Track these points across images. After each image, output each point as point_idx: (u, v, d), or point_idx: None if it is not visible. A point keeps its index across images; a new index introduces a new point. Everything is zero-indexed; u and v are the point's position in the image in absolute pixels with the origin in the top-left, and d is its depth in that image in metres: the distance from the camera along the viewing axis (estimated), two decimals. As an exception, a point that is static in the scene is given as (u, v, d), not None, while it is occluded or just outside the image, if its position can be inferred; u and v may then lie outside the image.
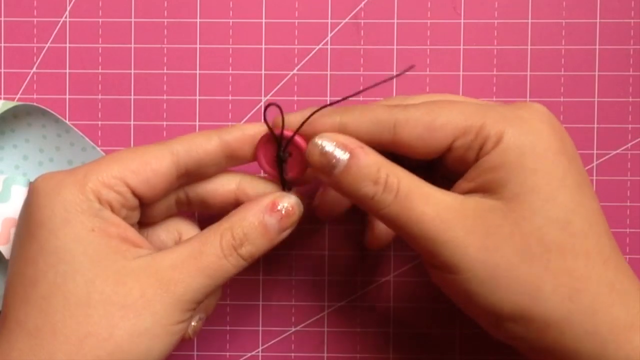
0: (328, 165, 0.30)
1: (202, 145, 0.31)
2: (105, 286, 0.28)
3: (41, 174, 0.30)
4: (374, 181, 0.29)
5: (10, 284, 0.29)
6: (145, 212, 0.32)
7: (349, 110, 0.31)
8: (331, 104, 0.30)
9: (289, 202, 0.31)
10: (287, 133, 0.31)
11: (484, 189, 0.29)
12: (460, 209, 0.29)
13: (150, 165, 0.30)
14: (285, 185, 0.32)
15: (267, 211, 0.30)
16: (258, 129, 0.31)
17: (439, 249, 0.29)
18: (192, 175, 0.32)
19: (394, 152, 0.31)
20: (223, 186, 0.32)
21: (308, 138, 0.30)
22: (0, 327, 0.29)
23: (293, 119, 0.31)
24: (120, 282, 0.28)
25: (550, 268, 0.28)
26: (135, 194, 0.30)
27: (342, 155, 0.29)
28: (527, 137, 0.29)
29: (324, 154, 0.30)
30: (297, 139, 0.31)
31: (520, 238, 0.28)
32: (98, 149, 0.37)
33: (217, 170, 0.32)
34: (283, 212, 0.30)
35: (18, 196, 0.37)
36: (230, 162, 0.32)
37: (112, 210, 0.29)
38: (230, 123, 0.38)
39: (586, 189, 0.29)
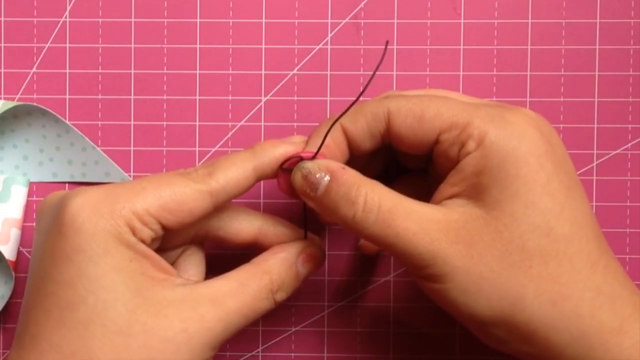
0: (310, 188, 0.30)
1: (240, 182, 0.31)
2: (147, 317, 0.28)
3: (73, 192, 0.29)
4: (352, 201, 0.30)
5: (43, 306, 0.28)
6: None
7: (347, 112, 0.31)
8: (340, 116, 0.31)
9: (314, 252, 0.32)
10: (307, 155, 0.31)
11: (467, 194, 0.29)
12: (443, 220, 0.29)
13: (188, 206, 0.30)
14: (306, 232, 0.33)
15: (300, 261, 0.32)
16: (285, 150, 0.31)
17: (424, 262, 0.29)
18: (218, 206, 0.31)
19: (392, 148, 0.32)
20: (246, 228, 0.32)
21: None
22: (28, 346, 0.28)
23: (312, 143, 0.32)
24: (161, 313, 0.28)
25: (532, 275, 0.28)
26: (164, 229, 0.30)
27: (323, 177, 0.30)
28: (510, 141, 0.29)
29: (306, 176, 0.30)
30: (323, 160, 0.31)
31: (501, 246, 0.28)
32: (98, 149, 0.37)
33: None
34: (312, 261, 0.32)
35: (18, 196, 0.37)
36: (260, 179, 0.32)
37: (143, 241, 0.29)
38: (230, 123, 0.38)
39: (574, 192, 0.29)
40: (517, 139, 0.29)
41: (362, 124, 0.31)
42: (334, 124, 0.31)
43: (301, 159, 0.31)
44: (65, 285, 0.28)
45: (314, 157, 0.31)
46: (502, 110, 0.30)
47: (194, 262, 0.33)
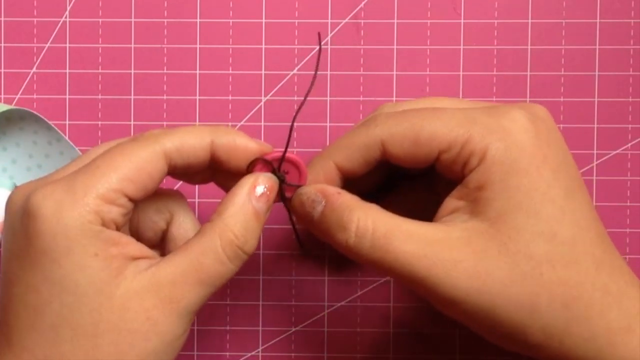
0: (307, 213, 0.30)
1: (196, 149, 0.30)
2: (111, 314, 0.28)
3: (36, 191, 0.28)
4: (344, 227, 0.29)
5: (13, 309, 0.28)
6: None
7: (336, 147, 0.31)
8: (297, 111, 0.30)
9: (266, 181, 0.30)
10: (276, 155, 0.30)
11: (470, 210, 0.29)
12: (446, 239, 0.28)
13: (146, 170, 0.29)
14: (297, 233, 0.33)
15: (253, 197, 0.30)
16: (245, 143, 0.30)
17: (430, 287, 0.28)
18: (177, 172, 0.31)
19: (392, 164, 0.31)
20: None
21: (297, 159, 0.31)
22: (4, 348, 0.28)
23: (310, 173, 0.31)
24: (125, 307, 0.28)
25: (544, 281, 0.28)
26: (131, 200, 0.29)
27: (320, 202, 0.30)
28: (511, 152, 0.29)
29: (303, 203, 0.30)
30: (291, 155, 0.31)
31: (508, 258, 0.28)
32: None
33: (202, 170, 0.31)
34: (267, 192, 0.30)
35: (3, 199, 0.37)
36: (215, 166, 0.31)
37: (114, 222, 0.29)
38: (230, 123, 0.38)
39: (576, 194, 0.29)
40: (516, 149, 0.29)
41: (356, 157, 0.31)
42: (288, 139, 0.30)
43: (264, 160, 0.30)
44: (31, 289, 0.28)
45: (281, 160, 0.30)
46: (498, 117, 0.29)
47: (177, 216, 0.32)
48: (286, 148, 0.30)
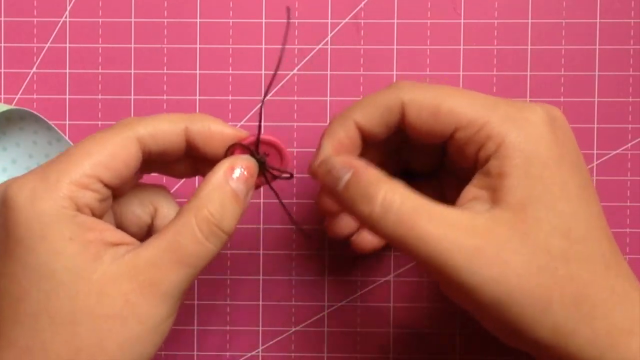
0: (332, 182, 0.30)
1: (170, 136, 0.30)
2: (88, 299, 0.27)
3: (12, 181, 0.28)
4: (370, 198, 0.28)
5: None
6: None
7: (358, 106, 0.31)
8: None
9: (244, 163, 0.30)
10: (253, 139, 0.30)
11: (492, 198, 0.29)
12: (469, 225, 0.28)
13: (120, 156, 0.29)
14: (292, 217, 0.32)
15: (230, 178, 0.29)
16: (221, 128, 0.30)
17: (449, 272, 0.28)
18: (154, 159, 0.31)
19: (407, 137, 0.31)
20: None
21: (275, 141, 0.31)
22: None
23: (325, 143, 0.31)
24: (103, 291, 0.28)
25: (557, 277, 0.28)
26: (107, 186, 0.29)
27: (346, 173, 0.29)
28: (531, 143, 0.28)
29: (329, 171, 0.30)
30: (267, 137, 0.30)
31: (528, 250, 0.28)
32: None
33: (179, 158, 0.31)
34: (245, 173, 0.30)
35: None
36: (193, 153, 0.31)
37: (89, 208, 0.29)
38: (230, 123, 0.38)
39: (587, 192, 0.29)
40: (536, 141, 0.28)
41: (376, 117, 0.30)
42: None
43: (242, 146, 0.30)
44: (12, 280, 0.28)
45: (257, 142, 0.30)
46: (520, 109, 0.29)
47: (161, 208, 0.32)
48: (259, 130, 0.30)
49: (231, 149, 0.30)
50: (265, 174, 0.31)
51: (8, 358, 0.28)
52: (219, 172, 0.29)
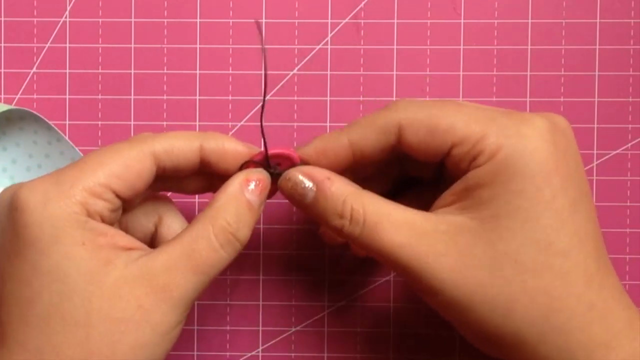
0: (298, 196, 0.30)
1: (185, 152, 0.30)
2: (102, 303, 0.28)
3: (22, 185, 0.29)
4: (340, 214, 0.30)
5: (5, 305, 0.28)
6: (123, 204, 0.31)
7: (354, 125, 0.31)
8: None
9: (258, 176, 0.31)
10: (257, 157, 0.31)
11: (464, 206, 0.29)
12: (433, 231, 0.29)
13: (134, 168, 0.29)
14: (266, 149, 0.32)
15: (246, 189, 0.30)
16: (234, 146, 0.31)
17: (414, 275, 0.29)
18: (167, 175, 0.31)
19: (402, 160, 0.32)
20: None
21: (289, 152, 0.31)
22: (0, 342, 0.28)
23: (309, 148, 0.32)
24: (116, 295, 0.28)
25: (526, 288, 0.28)
26: (119, 197, 0.29)
27: (310, 187, 0.30)
28: (522, 157, 0.28)
29: (293, 186, 0.31)
30: (277, 150, 0.31)
31: (493, 258, 0.28)
32: None
33: (192, 174, 0.32)
34: (260, 185, 0.30)
35: None
36: (206, 170, 0.31)
37: (100, 216, 0.29)
38: (230, 123, 0.38)
39: (581, 205, 0.29)
40: (528, 156, 0.28)
41: (372, 139, 0.31)
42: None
43: (254, 162, 0.31)
44: (21, 282, 0.28)
45: (265, 156, 0.31)
46: (517, 122, 0.29)
47: (166, 219, 0.32)
48: (265, 146, 0.31)
49: (244, 166, 0.31)
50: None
51: (18, 358, 0.28)
52: (234, 184, 0.30)
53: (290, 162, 0.31)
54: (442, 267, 0.29)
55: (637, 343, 0.28)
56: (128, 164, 0.29)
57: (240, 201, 0.30)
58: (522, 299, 0.28)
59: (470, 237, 0.29)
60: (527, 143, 0.28)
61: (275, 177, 0.31)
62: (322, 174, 0.30)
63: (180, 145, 0.30)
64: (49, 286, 0.28)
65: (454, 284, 0.29)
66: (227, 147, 0.31)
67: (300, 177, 0.31)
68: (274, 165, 0.31)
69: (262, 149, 0.31)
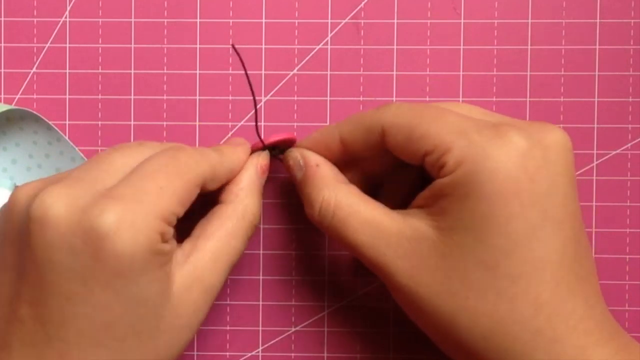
0: (293, 173, 0.34)
1: (220, 178, 0.32)
2: (169, 314, 0.29)
3: (103, 210, 0.27)
4: (312, 203, 0.32)
5: (74, 326, 0.27)
6: None
7: (346, 121, 0.33)
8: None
9: (265, 160, 0.35)
10: (269, 141, 0.35)
11: (431, 212, 0.30)
12: (396, 233, 0.30)
13: (193, 193, 0.30)
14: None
15: (259, 177, 0.34)
16: (247, 149, 0.35)
17: (376, 270, 0.31)
18: None
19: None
20: None
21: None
22: None
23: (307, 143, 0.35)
24: (179, 303, 0.29)
25: (467, 306, 0.28)
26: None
27: (301, 169, 0.33)
28: (479, 176, 0.28)
29: (292, 162, 0.34)
30: (280, 137, 0.35)
31: (443, 272, 0.29)
32: (87, 160, 0.37)
33: None
34: (264, 169, 0.35)
35: (2, 199, 0.37)
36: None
37: (166, 241, 0.29)
38: (230, 123, 0.38)
39: (544, 232, 0.28)
40: (487, 176, 0.28)
41: (358, 137, 0.32)
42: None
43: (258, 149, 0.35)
44: (101, 307, 0.27)
45: (264, 148, 0.35)
46: (490, 137, 0.29)
47: None
48: (261, 139, 0.35)
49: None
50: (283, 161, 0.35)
51: None
52: (252, 173, 0.34)
53: (291, 143, 0.35)
54: (398, 270, 0.30)
55: None
56: (191, 189, 0.30)
57: (259, 190, 0.34)
58: (463, 316, 0.28)
59: (427, 246, 0.29)
60: (487, 163, 0.28)
61: (275, 156, 0.35)
62: (314, 160, 0.33)
63: (220, 175, 0.32)
64: (133, 311, 0.28)
65: (408, 290, 0.30)
66: (242, 156, 0.34)
67: (298, 158, 0.34)
68: (277, 150, 0.35)
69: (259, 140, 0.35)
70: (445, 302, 0.29)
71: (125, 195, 0.28)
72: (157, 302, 0.28)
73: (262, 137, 0.37)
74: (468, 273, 0.28)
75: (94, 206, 0.27)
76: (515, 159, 0.28)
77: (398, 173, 0.34)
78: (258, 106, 0.38)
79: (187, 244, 0.31)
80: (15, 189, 0.30)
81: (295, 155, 0.34)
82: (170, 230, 0.29)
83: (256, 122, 0.35)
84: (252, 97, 0.38)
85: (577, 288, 0.29)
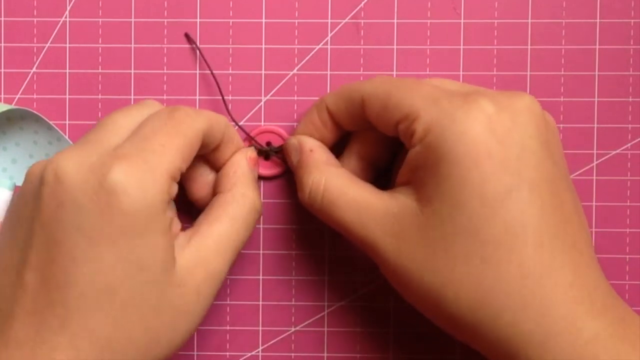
0: (290, 158, 0.35)
1: (216, 131, 0.33)
2: (171, 292, 0.29)
3: (113, 167, 0.27)
4: (302, 186, 0.33)
5: (76, 289, 0.27)
6: None
7: (332, 92, 0.34)
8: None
9: (253, 154, 0.35)
10: (254, 133, 0.37)
11: (414, 186, 0.30)
12: (383, 211, 0.30)
13: (194, 148, 0.31)
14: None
15: (252, 168, 0.35)
16: (239, 140, 0.36)
17: (366, 249, 0.31)
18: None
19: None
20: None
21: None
22: (57, 329, 0.27)
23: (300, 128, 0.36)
24: (181, 283, 0.29)
25: (453, 277, 0.28)
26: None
27: (297, 154, 0.34)
28: (448, 141, 0.28)
29: (290, 148, 0.35)
30: (266, 128, 0.37)
31: (428, 245, 0.28)
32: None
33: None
34: (257, 162, 0.36)
35: (2, 199, 0.37)
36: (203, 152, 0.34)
37: (172, 198, 0.30)
38: (230, 123, 0.38)
39: (520, 195, 0.28)
40: (456, 139, 0.28)
41: (342, 107, 0.33)
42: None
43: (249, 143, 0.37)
44: (106, 269, 0.27)
45: (250, 140, 0.37)
46: (460, 104, 0.28)
47: None
48: (249, 135, 0.37)
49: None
50: (276, 157, 0.37)
51: (83, 346, 0.27)
52: (244, 163, 0.34)
53: (282, 141, 0.37)
54: (386, 246, 0.30)
55: (579, 344, 0.27)
56: (192, 144, 0.30)
57: (254, 176, 0.34)
58: (450, 287, 0.28)
59: (411, 220, 0.29)
60: (455, 127, 0.28)
61: (267, 153, 0.37)
62: (308, 145, 0.34)
63: (217, 126, 0.32)
64: (134, 276, 0.27)
65: (395, 265, 0.30)
66: (234, 138, 0.35)
67: (296, 144, 0.35)
68: (266, 143, 0.37)
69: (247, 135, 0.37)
70: (433, 275, 0.28)
71: (131, 154, 0.28)
72: (159, 274, 0.28)
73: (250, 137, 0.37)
74: (450, 242, 0.28)
75: (102, 165, 0.28)
76: (483, 122, 0.28)
77: (400, 160, 0.34)
78: (257, 106, 0.38)
79: (190, 230, 0.31)
80: (32, 165, 0.30)
81: (294, 142, 0.35)
82: (175, 186, 0.29)
83: (230, 113, 0.36)
84: (252, 97, 0.38)
85: (564, 255, 0.28)
